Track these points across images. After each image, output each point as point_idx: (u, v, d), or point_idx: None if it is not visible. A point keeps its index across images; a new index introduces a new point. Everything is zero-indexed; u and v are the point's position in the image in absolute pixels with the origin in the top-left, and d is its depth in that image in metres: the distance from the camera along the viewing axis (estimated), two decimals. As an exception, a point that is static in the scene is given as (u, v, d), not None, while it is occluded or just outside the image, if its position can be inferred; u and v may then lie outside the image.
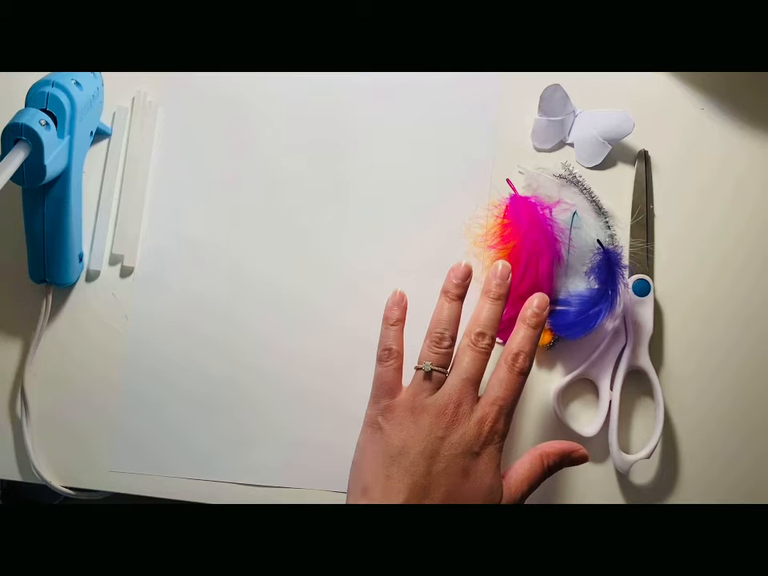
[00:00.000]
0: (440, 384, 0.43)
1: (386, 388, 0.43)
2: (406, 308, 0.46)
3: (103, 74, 0.50)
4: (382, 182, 0.53)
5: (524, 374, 0.43)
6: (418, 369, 0.43)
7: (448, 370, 0.43)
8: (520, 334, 0.44)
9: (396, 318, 0.45)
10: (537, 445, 0.45)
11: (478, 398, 0.43)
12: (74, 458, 0.49)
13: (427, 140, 0.54)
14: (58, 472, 0.49)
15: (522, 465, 0.44)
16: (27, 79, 0.45)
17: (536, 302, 0.45)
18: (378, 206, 0.53)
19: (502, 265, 0.45)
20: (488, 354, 0.43)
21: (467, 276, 0.45)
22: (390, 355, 0.44)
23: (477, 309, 0.45)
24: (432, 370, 0.43)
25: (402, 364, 0.44)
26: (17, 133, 0.41)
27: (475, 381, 0.43)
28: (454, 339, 0.44)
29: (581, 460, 0.45)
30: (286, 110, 0.54)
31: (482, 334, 0.43)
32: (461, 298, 0.45)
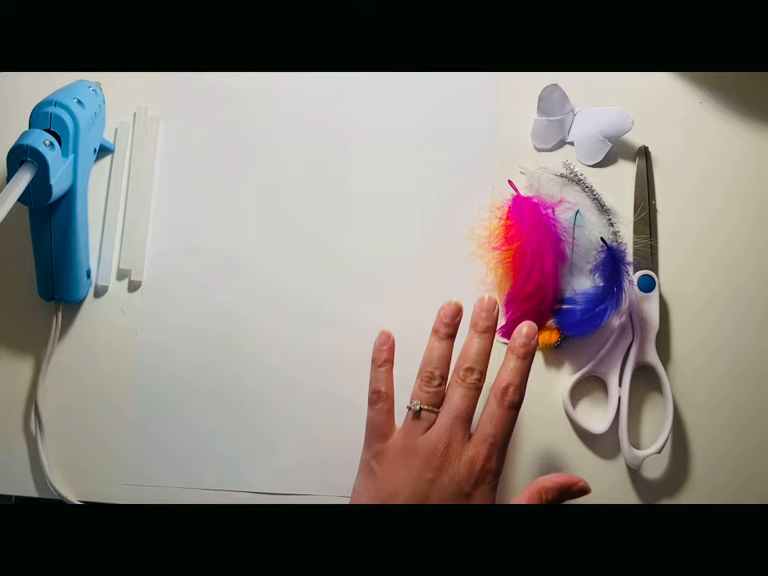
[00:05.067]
0: (431, 423, 0.42)
1: (377, 431, 0.43)
2: (393, 348, 0.45)
3: (104, 88, 0.50)
4: (384, 185, 0.53)
5: (514, 407, 0.42)
6: (408, 408, 0.43)
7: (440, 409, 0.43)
8: (509, 366, 0.43)
9: (384, 359, 0.45)
10: (536, 479, 0.44)
11: (470, 436, 0.42)
12: (89, 472, 0.49)
13: (427, 143, 0.54)
14: (73, 486, 0.49)
15: (519, 501, 0.43)
16: (32, 97, 0.46)
17: (525, 330, 0.44)
18: (380, 210, 0.53)
19: (488, 297, 0.45)
20: (478, 390, 0.43)
21: (457, 314, 0.44)
22: (379, 398, 0.44)
23: (465, 344, 0.44)
24: (421, 409, 0.42)
25: (392, 405, 0.44)
26: (22, 154, 0.42)
27: (465, 418, 0.42)
28: (444, 378, 0.43)
29: (581, 493, 0.43)
30: (286, 116, 0.54)
31: (470, 369, 0.43)
32: (451, 336, 0.44)
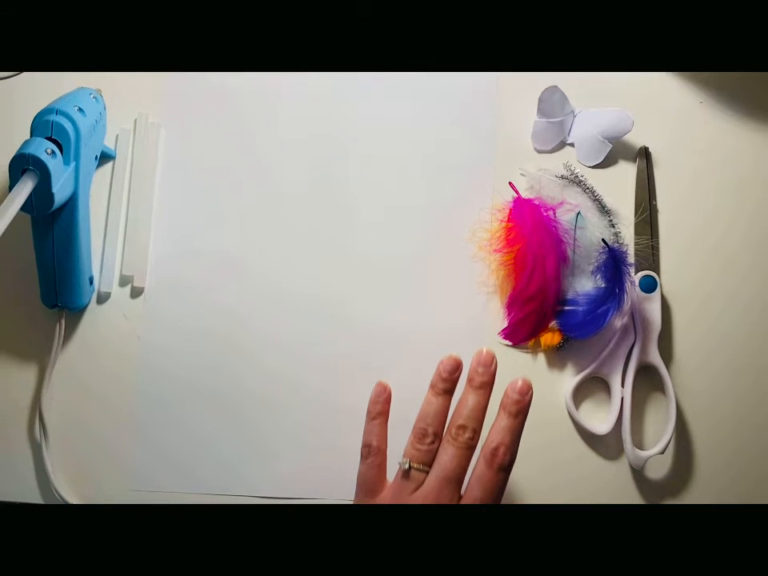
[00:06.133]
0: (420, 483, 0.40)
1: (367, 486, 0.42)
2: (389, 400, 0.44)
3: (105, 95, 0.51)
4: (384, 188, 0.53)
5: (504, 469, 0.40)
6: (399, 465, 0.41)
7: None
8: (500, 425, 0.41)
9: (377, 411, 0.43)
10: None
11: (460, 497, 0.40)
12: (94, 479, 0.50)
13: (427, 145, 0.54)
14: (78, 493, 0.49)
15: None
16: (33, 105, 0.46)
17: (519, 385, 0.41)
18: (380, 213, 0.53)
19: (486, 351, 0.43)
20: (470, 449, 0.41)
21: (455, 369, 0.43)
22: (369, 452, 0.42)
23: (460, 400, 0.42)
24: (411, 467, 0.41)
25: (383, 460, 0.43)
26: (24, 163, 0.42)
27: (454, 479, 0.40)
28: (437, 435, 0.41)
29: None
30: (286, 119, 0.54)
31: (463, 427, 0.41)
32: (448, 392, 0.42)
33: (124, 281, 0.52)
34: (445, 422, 0.42)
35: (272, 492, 0.50)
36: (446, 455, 0.40)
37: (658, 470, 0.50)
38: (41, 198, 0.43)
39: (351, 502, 0.44)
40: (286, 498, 0.50)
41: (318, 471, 0.50)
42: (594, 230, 0.51)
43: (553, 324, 0.51)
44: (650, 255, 0.52)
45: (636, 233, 0.52)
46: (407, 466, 0.41)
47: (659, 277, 0.51)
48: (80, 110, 0.46)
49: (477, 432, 0.41)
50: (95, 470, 0.50)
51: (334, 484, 0.50)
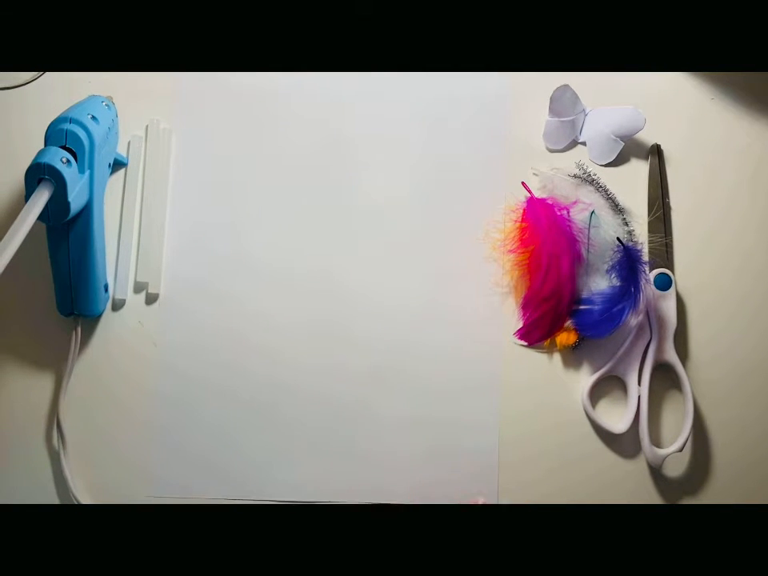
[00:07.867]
0: None
1: None
2: None
3: (116, 102, 0.51)
4: (397, 189, 0.53)
5: None
6: None
7: None
8: None
9: None
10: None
11: None
12: (113, 485, 0.50)
13: (440, 145, 0.54)
14: (97, 499, 0.49)
15: None
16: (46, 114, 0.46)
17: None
18: (394, 215, 0.53)
19: None
20: None
21: None
22: None
23: None
24: None
25: None
26: (40, 172, 0.42)
27: None
28: None
29: None
30: (298, 121, 0.54)
31: None
32: None
33: (139, 287, 0.52)
34: None
35: (294, 496, 0.50)
36: None
37: (676, 467, 0.50)
38: (57, 206, 0.43)
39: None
40: (309, 501, 0.50)
41: (340, 474, 0.50)
42: (609, 229, 0.51)
43: (568, 323, 0.51)
44: (664, 253, 0.52)
45: (650, 231, 0.52)
46: None
47: (674, 274, 0.51)
48: (93, 117, 0.46)
49: None
50: (114, 477, 0.50)
51: (358, 486, 0.50)
